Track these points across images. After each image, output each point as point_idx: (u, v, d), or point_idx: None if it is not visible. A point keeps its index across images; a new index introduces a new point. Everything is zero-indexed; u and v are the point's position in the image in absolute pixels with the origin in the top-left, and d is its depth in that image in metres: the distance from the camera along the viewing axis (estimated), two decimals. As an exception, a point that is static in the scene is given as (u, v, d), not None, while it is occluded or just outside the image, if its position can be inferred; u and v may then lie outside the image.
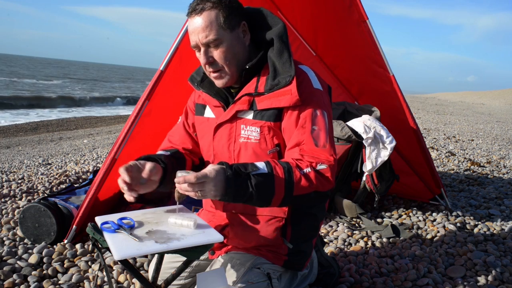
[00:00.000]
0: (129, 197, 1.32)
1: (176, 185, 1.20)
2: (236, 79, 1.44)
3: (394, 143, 2.72)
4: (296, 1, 2.87)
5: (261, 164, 1.27)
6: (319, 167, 1.30)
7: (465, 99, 36.77)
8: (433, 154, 5.59)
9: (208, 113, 1.56)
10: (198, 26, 1.35)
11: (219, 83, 1.44)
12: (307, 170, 1.28)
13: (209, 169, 1.19)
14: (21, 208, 2.72)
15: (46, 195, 2.94)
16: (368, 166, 2.75)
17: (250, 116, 1.42)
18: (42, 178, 3.82)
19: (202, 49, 1.38)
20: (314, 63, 3.27)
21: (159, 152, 1.59)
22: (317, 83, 1.43)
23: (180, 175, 1.18)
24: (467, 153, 6.06)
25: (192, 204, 2.60)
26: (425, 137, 7.57)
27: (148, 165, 1.36)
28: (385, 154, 2.72)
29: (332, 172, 1.32)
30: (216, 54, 1.38)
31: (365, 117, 2.86)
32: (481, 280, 2.02)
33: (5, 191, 3.32)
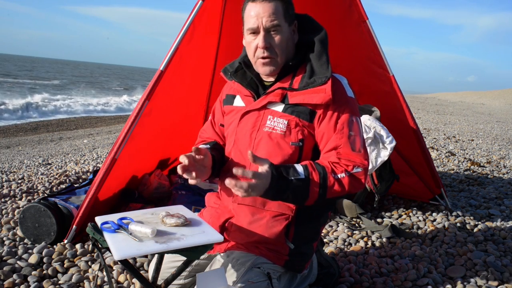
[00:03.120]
0: (189, 179, 1.40)
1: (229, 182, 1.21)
2: (278, 72, 1.50)
3: (394, 143, 2.72)
4: (296, 1, 2.87)
5: (300, 168, 1.35)
6: (355, 170, 1.40)
7: (465, 99, 36.78)
8: (433, 154, 5.60)
9: (238, 101, 1.61)
10: (266, 10, 1.42)
11: (266, 69, 1.50)
12: (341, 175, 1.38)
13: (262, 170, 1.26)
14: (21, 208, 2.72)
15: (46, 195, 2.94)
16: (368, 166, 2.75)
17: (279, 108, 1.48)
18: (42, 178, 3.82)
19: (262, 33, 1.44)
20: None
21: (200, 146, 1.64)
22: (350, 91, 1.51)
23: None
24: (467, 153, 6.06)
25: (192, 204, 2.60)
26: (425, 137, 7.57)
27: (203, 150, 1.46)
28: (385, 154, 2.72)
29: (365, 175, 1.43)
30: (275, 40, 1.45)
31: (365, 117, 2.86)
32: (481, 280, 2.02)
33: (5, 191, 3.32)
